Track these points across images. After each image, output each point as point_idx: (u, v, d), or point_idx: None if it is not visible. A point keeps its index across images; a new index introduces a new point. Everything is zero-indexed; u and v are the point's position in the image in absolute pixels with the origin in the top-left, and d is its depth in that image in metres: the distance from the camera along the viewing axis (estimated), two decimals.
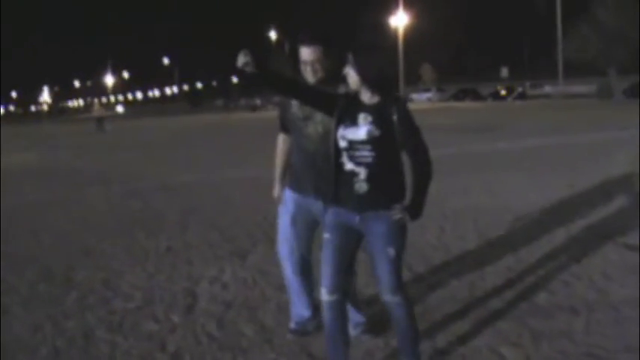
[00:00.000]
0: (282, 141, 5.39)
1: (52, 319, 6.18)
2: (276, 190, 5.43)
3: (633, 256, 7.33)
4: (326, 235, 4.53)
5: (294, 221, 5.20)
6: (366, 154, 4.29)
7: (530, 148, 19.81)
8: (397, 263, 4.38)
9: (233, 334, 5.60)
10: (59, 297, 6.84)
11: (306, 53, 4.84)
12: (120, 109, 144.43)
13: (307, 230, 5.23)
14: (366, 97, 4.40)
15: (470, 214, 9.72)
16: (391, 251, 4.33)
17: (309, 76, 4.88)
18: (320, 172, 4.91)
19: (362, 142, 4.29)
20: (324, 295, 4.49)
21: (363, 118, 4.31)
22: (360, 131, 4.28)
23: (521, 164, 15.86)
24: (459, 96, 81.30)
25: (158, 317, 6.09)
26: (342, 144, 4.36)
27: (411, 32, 79.50)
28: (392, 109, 4.28)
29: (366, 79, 4.35)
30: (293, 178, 5.25)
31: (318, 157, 4.93)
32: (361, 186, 4.32)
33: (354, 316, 5.30)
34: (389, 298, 4.43)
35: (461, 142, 21.63)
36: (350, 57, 4.36)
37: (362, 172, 4.31)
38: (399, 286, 4.43)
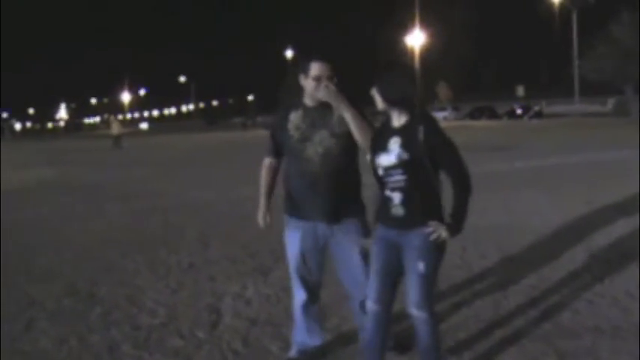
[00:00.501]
0: (268, 165, 5.32)
1: (78, 333, 6.21)
2: (261, 217, 5.36)
3: None
4: (374, 248, 4.66)
5: (304, 250, 5.10)
6: (398, 178, 4.39)
7: (547, 166, 19.80)
8: (426, 279, 4.42)
9: (259, 350, 5.62)
10: (84, 312, 6.88)
11: (320, 69, 4.82)
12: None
13: (319, 255, 5.15)
14: (395, 120, 4.49)
15: (490, 232, 9.71)
16: (421, 266, 4.38)
17: (319, 91, 4.83)
18: (323, 195, 4.91)
19: (394, 167, 4.38)
20: (370, 305, 4.63)
21: (394, 143, 4.39)
22: (391, 156, 4.39)
23: (539, 183, 15.85)
24: (474, 114, 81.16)
25: (183, 333, 6.12)
26: (380, 172, 4.49)
27: (426, 51, 79.69)
28: (418, 129, 4.32)
29: (388, 100, 4.45)
30: (293, 205, 5.11)
31: (321, 179, 4.90)
32: (397, 210, 4.43)
33: None
34: (414, 312, 4.49)
35: (478, 160, 21.54)
36: (375, 80, 4.47)
37: (396, 197, 4.43)
38: (426, 302, 4.47)
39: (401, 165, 4.35)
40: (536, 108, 76.13)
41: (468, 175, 4.39)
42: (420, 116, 4.43)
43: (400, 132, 4.42)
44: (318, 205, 4.93)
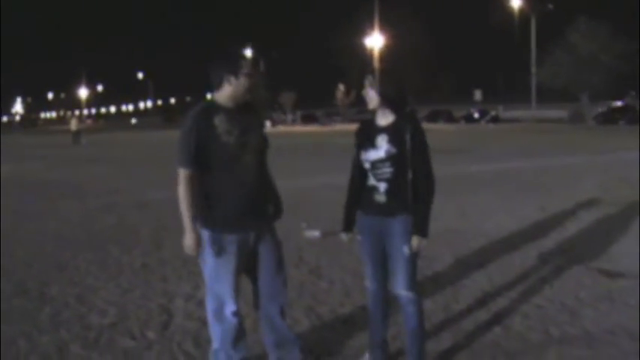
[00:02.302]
0: (190, 178, 4.65)
1: (26, 334, 6.13)
2: (194, 245, 4.81)
3: (605, 281, 7.44)
4: (360, 237, 5.08)
5: (238, 268, 4.81)
6: (386, 170, 4.80)
7: (503, 171, 19.95)
8: (411, 261, 4.84)
9: (209, 352, 5.59)
10: (33, 312, 6.80)
11: (251, 65, 4.75)
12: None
13: (240, 270, 4.88)
14: (381, 119, 4.87)
15: (443, 236, 9.76)
16: (405, 249, 4.80)
17: (251, 89, 4.76)
18: (260, 203, 4.79)
19: (382, 161, 4.79)
20: (369, 284, 5.12)
21: (381, 139, 4.82)
22: (380, 151, 4.80)
23: (494, 187, 15.98)
24: (431, 117, 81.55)
25: (134, 334, 6.08)
26: (366, 165, 4.89)
27: (385, 53, 79.99)
28: (406, 127, 4.75)
29: (386, 99, 4.81)
30: (226, 219, 4.71)
31: (257, 186, 4.75)
32: (380, 198, 4.84)
33: (288, 336, 5.13)
34: (402, 293, 4.87)
35: (434, 164, 21.55)
36: (370, 78, 4.84)
37: (381, 186, 4.83)
38: (413, 283, 4.89)
39: (389, 159, 4.76)
40: (493, 113, 76.79)
41: (434, 179, 4.86)
42: (409, 116, 4.86)
43: (387, 130, 4.83)
44: (255, 215, 4.76)
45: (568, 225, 10.66)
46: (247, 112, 4.80)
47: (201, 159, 4.61)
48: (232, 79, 4.66)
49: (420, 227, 4.77)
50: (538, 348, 5.58)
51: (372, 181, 4.87)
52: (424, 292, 7.13)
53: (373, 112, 4.94)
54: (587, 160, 22.92)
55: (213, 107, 4.70)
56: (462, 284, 7.44)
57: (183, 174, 4.66)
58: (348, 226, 5.14)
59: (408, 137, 4.72)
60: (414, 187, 4.77)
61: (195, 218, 4.74)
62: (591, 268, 7.99)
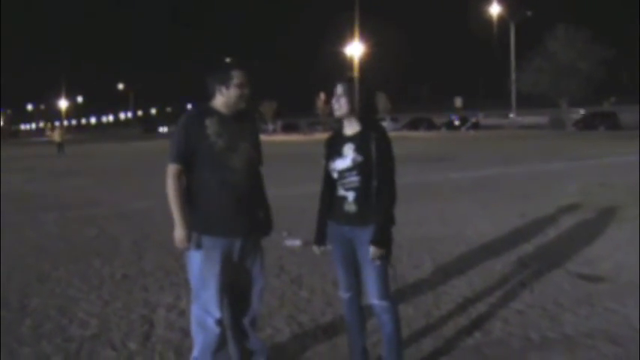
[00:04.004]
0: (178, 173, 4.85)
1: (7, 346, 6.09)
2: (184, 237, 4.87)
3: (585, 285, 7.49)
4: (332, 246, 5.07)
5: (225, 268, 4.86)
6: (353, 179, 4.78)
7: (483, 177, 20.06)
8: (382, 270, 4.81)
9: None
10: (14, 324, 6.74)
11: (242, 76, 4.86)
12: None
13: (226, 278, 4.91)
14: (348, 129, 4.87)
15: (425, 243, 9.81)
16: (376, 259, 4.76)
17: (243, 98, 4.89)
18: (246, 209, 4.87)
19: (348, 170, 4.78)
20: (342, 294, 5.12)
21: (348, 148, 4.81)
22: (346, 160, 4.79)
23: (474, 194, 16.04)
24: (412, 125, 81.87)
25: (115, 345, 6.06)
26: (335, 175, 4.88)
27: (365, 61, 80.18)
28: (372, 136, 4.73)
29: (354, 109, 4.81)
30: (210, 220, 4.83)
31: (245, 191, 4.85)
32: (350, 207, 4.82)
33: (257, 346, 5.24)
34: (375, 302, 4.87)
35: (415, 171, 21.72)
36: (340, 87, 4.81)
37: (350, 196, 4.81)
38: (386, 291, 4.87)
39: (355, 167, 4.75)
40: (473, 119, 77.15)
41: (395, 189, 4.81)
42: (375, 125, 4.85)
43: (353, 139, 4.82)
44: (241, 220, 4.85)
45: (548, 230, 10.72)
46: (242, 120, 4.97)
47: (190, 158, 4.81)
48: (223, 89, 4.85)
49: (377, 238, 4.70)
50: (518, 353, 5.61)
51: (340, 191, 4.86)
52: (404, 298, 7.18)
53: (339, 121, 4.95)
54: (568, 165, 23.07)
55: (208, 110, 4.89)
56: (443, 290, 7.47)
57: (170, 169, 4.87)
58: (320, 239, 5.12)
59: (373, 146, 4.72)
60: (377, 196, 4.74)
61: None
62: (571, 272, 8.06)
